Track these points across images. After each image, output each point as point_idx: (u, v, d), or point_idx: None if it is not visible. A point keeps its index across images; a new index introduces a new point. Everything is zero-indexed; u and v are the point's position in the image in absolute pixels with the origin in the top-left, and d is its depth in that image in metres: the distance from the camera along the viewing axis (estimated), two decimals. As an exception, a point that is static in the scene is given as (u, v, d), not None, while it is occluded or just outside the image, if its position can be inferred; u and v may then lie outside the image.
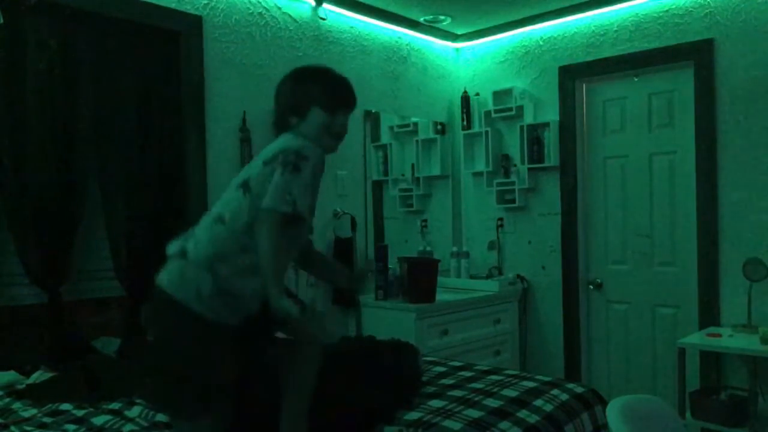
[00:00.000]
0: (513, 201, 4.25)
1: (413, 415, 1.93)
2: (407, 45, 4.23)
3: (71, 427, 1.92)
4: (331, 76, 1.85)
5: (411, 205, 4.39)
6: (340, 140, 1.85)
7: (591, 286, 4.07)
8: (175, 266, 1.67)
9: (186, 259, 1.65)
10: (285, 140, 1.74)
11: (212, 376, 1.65)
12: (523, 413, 1.98)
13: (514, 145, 4.27)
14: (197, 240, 1.67)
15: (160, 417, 1.93)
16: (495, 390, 2.16)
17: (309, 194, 1.68)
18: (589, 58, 3.95)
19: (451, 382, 2.29)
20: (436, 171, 4.45)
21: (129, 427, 1.91)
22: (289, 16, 3.52)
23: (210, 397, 1.65)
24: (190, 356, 1.64)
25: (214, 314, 1.62)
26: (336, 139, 1.83)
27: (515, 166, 4.27)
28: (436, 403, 2.03)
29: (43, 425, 1.93)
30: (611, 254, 4.00)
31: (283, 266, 1.64)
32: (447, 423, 1.86)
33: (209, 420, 1.66)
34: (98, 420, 1.96)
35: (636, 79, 3.85)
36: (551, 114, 4.12)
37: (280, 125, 1.82)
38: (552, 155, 4.08)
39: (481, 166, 4.39)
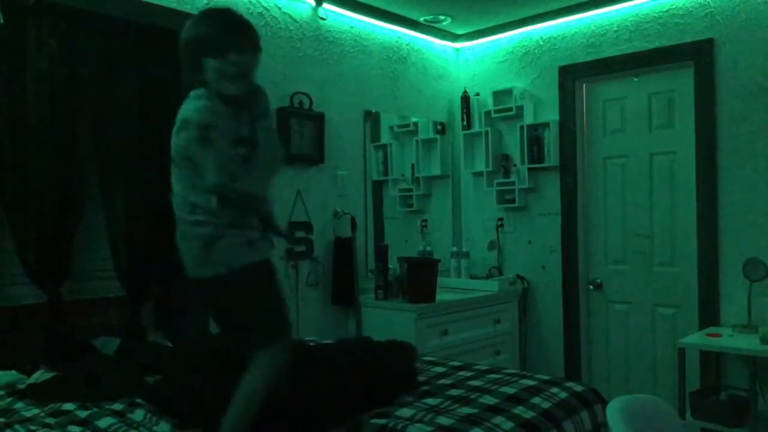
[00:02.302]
0: (513, 201, 4.25)
1: (406, 412, 1.92)
2: (407, 45, 4.23)
3: (75, 428, 1.91)
4: (211, 17, 1.84)
5: (411, 205, 4.39)
6: (242, 80, 1.80)
7: (591, 286, 4.07)
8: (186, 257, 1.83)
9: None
10: (186, 104, 1.79)
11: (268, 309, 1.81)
12: (518, 409, 1.97)
13: (514, 145, 4.27)
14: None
15: (163, 425, 1.92)
16: (493, 388, 2.16)
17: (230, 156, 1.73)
18: (589, 58, 3.95)
19: (450, 381, 2.28)
20: (436, 171, 4.45)
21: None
22: (289, 16, 3.52)
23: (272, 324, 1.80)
24: (250, 300, 1.80)
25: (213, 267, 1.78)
26: (236, 81, 1.77)
27: (515, 166, 4.27)
28: (431, 401, 2.03)
29: (46, 425, 1.92)
30: (611, 254, 4.00)
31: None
32: (439, 419, 1.86)
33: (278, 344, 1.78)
34: (102, 423, 1.95)
35: (636, 79, 3.85)
36: (551, 114, 4.12)
37: (190, 79, 1.84)
38: (552, 155, 4.08)
39: (481, 166, 4.39)
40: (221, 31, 1.78)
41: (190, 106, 1.77)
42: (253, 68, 1.83)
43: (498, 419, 1.88)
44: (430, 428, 1.80)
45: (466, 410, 1.94)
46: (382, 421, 1.84)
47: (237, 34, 1.80)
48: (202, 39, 1.77)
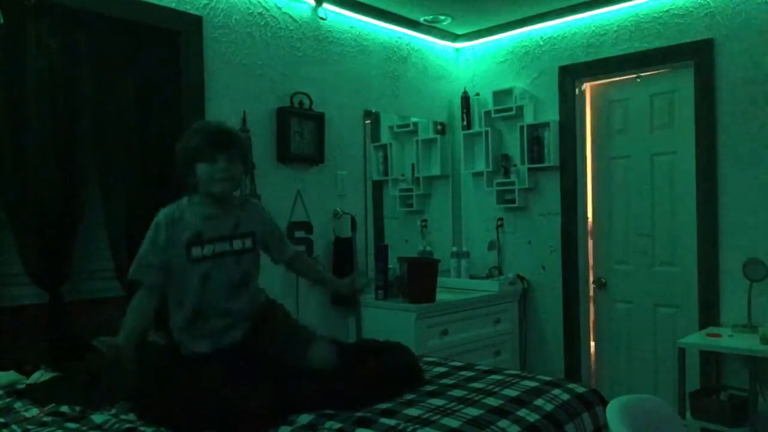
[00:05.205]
0: (513, 201, 4.25)
1: (413, 412, 1.93)
2: (407, 45, 4.23)
3: (71, 425, 1.92)
4: (202, 129, 2.16)
5: (411, 205, 4.39)
6: (227, 181, 2.12)
7: (593, 286, 4.07)
8: None
9: None
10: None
11: None
12: (522, 412, 1.97)
13: (514, 145, 4.27)
14: None
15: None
16: (495, 389, 2.16)
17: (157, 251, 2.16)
18: (590, 58, 3.95)
19: (452, 381, 2.28)
20: (436, 171, 4.45)
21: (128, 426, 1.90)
22: (289, 16, 3.52)
23: None
24: None
25: None
26: (222, 182, 2.10)
27: (515, 166, 4.27)
28: (435, 402, 2.03)
29: (43, 423, 1.93)
30: (612, 254, 4.00)
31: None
32: (446, 420, 1.85)
33: None
34: (98, 418, 1.96)
35: (638, 80, 3.85)
36: (551, 114, 4.12)
37: (182, 183, 2.17)
38: (552, 155, 4.08)
39: (481, 166, 4.39)
40: (210, 138, 2.09)
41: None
42: (238, 173, 2.15)
43: (503, 422, 1.88)
44: (438, 432, 1.80)
45: (471, 411, 1.94)
46: (392, 422, 1.84)
47: (221, 142, 2.10)
48: (194, 146, 2.09)
